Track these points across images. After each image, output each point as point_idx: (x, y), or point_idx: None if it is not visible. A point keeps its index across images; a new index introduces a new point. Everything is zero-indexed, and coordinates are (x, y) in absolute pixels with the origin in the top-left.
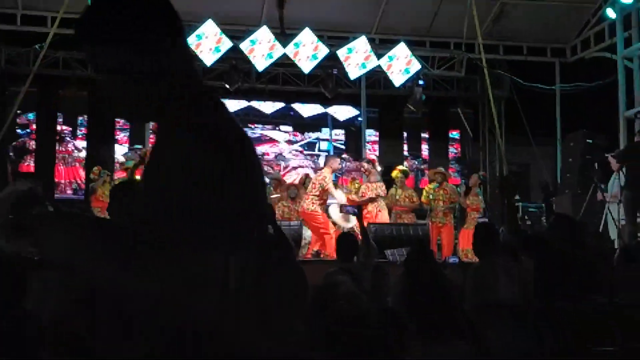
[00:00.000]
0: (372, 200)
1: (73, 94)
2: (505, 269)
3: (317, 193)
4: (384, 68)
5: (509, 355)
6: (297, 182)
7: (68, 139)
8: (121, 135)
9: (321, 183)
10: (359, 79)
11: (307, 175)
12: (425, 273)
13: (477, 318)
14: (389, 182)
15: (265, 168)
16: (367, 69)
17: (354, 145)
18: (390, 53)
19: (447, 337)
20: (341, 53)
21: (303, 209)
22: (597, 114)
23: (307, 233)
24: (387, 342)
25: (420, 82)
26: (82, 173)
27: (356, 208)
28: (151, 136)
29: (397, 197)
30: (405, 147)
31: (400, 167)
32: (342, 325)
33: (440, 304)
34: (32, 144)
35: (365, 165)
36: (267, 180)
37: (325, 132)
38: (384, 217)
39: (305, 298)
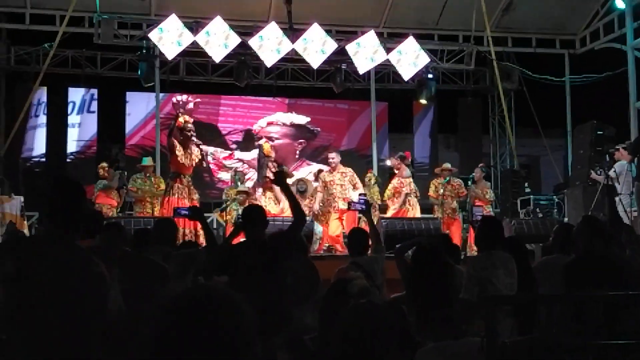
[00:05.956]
0: (407, 195)
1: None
2: (503, 261)
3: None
4: (393, 62)
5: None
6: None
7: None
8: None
9: None
10: (367, 73)
11: (320, 171)
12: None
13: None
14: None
15: None
16: (376, 63)
17: None
18: (398, 47)
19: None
20: (350, 48)
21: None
22: (607, 105)
23: (318, 229)
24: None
25: (430, 75)
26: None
27: (364, 204)
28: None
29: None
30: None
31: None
32: (356, 321)
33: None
34: None
35: (394, 161)
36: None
37: None
38: (417, 213)
39: (316, 292)
